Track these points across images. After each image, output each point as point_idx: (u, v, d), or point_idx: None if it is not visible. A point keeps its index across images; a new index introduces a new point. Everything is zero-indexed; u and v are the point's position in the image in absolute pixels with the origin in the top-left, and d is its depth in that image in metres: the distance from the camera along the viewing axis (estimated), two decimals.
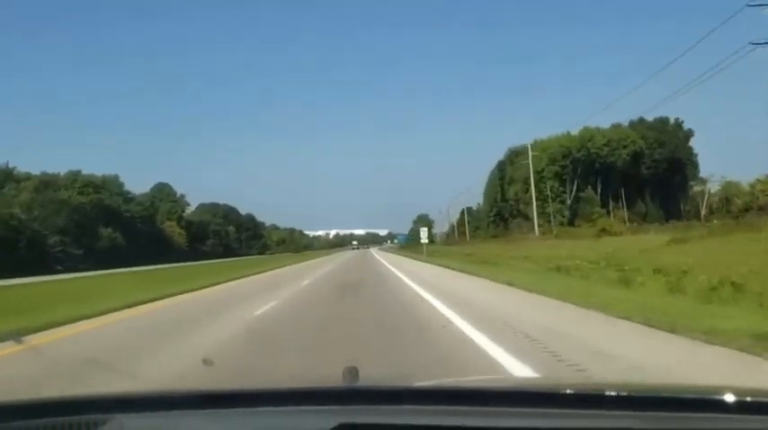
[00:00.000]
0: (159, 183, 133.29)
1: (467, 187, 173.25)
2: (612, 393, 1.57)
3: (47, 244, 70.05)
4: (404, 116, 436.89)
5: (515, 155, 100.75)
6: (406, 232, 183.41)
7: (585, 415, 1.38)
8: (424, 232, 53.59)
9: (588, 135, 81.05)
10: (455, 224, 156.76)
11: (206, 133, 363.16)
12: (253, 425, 1.46)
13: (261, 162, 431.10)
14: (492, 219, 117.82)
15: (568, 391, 1.64)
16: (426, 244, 53.06)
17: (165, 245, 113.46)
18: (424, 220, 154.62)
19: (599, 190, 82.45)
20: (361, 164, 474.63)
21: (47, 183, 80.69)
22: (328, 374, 2.68)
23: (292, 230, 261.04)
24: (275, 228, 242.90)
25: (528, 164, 75.25)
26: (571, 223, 78.03)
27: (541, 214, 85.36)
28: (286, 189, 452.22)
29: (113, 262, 79.99)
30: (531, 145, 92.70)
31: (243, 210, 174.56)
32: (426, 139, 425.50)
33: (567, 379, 5.01)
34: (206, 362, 5.92)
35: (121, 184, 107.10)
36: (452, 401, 1.51)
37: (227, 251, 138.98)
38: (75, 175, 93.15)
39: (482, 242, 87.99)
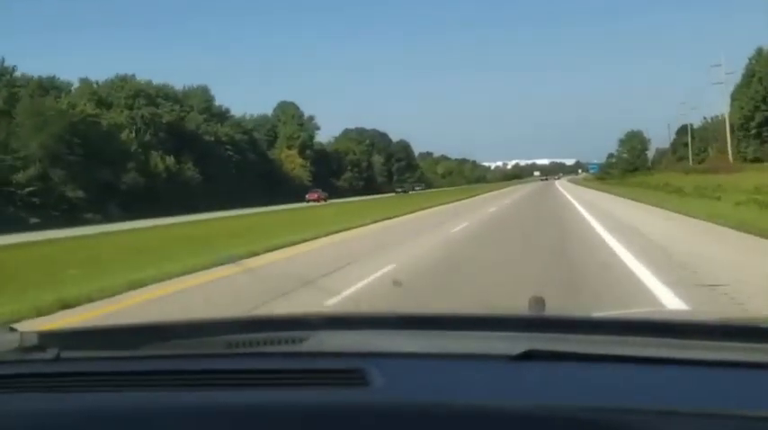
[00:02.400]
0: (282, 103, 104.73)
1: (728, 72, 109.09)
2: None
3: (11, 181, 42.14)
4: (597, 21, 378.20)
5: None
6: (596, 161, 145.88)
7: None
8: None
9: None
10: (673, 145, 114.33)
11: (365, 56, 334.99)
12: (441, 346, 1.49)
13: (431, 85, 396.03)
14: (753, 132, 75.33)
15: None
16: None
17: (278, 180, 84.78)
18: (636, 138, 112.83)
19: None
20: (545, 82, 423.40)
21: (49, 88, 52.87)
22: (515, 304, 2.94)
23: (462, 161, 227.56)
24: (444, 158, 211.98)
25: None
26: None
27: None
28: (459, 116, 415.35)
29: (169, 207, 51.79)
30: None
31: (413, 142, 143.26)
32: (627, 47, 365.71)
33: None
34: (396, 283, 6.41)
35: (210, 99, 78.76)
36: (642, 332, 1.50)
37: (368, 187, 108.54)
38: (122, 81, 65.21)
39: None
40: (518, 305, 2.10)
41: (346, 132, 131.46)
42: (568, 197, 36.71)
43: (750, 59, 78.14)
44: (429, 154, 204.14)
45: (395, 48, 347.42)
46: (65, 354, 1.45)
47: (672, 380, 1.21)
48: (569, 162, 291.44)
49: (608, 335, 1.48)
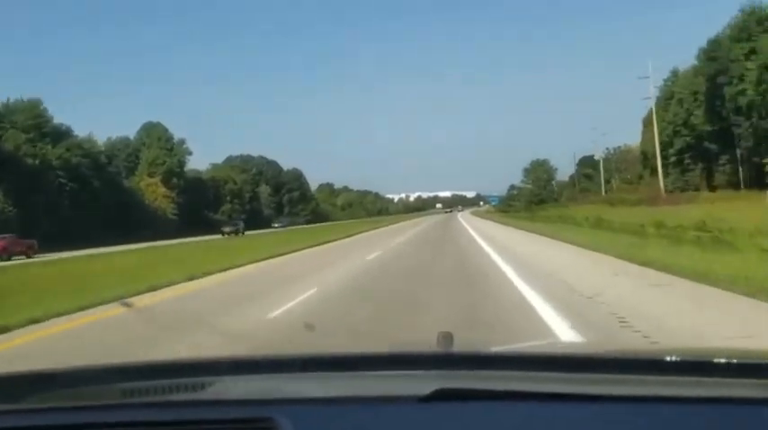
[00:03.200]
0: (147, 124, 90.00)
1: (656, 86, 79.26)
2: (722, 360, 1.56)
3: None
4: (500, 53, 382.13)
5: (759, 20, 50.07)
6: (495, 194, 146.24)
7: (697, 382, 1.37)
8: None
9: None
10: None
11: (263, 81, 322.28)
12: (351, 389, 1.49)
13: (337, 117, 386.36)
14: (673, 160, 67.82)
15: (674, 359, 1.61)
16: None
17: (135, 213, 70.32)
18: (541, 167, 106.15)
19: None
20: (448, 116, 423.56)
21: None
22: (422, 340, 2.90)
23: (365, 193, 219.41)
24: (347, 190, 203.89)
25: None
26: None
27: None
28: (365, 149, 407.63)
29: None
30: None
31: (315, 174, 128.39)
32: (527, 77, 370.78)
33: (667, 346, 4.82)
34: (307, 326, 5.98)
35: (43, 115, 63.60)
36: (551, 367, 1.51)
37: (254, 220, 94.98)
38: None
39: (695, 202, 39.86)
40: (427, 340, 2.03)
41: (230, 160, 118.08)
42: (472, 235, 25.45)
43: (665, 81, 71.50)
44: (329, 185, 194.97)
45: (292, 73, 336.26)
46: None
47: (584, 417, 1.19)
48: (470, 194, 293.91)
49: (517, 371, 1.47)
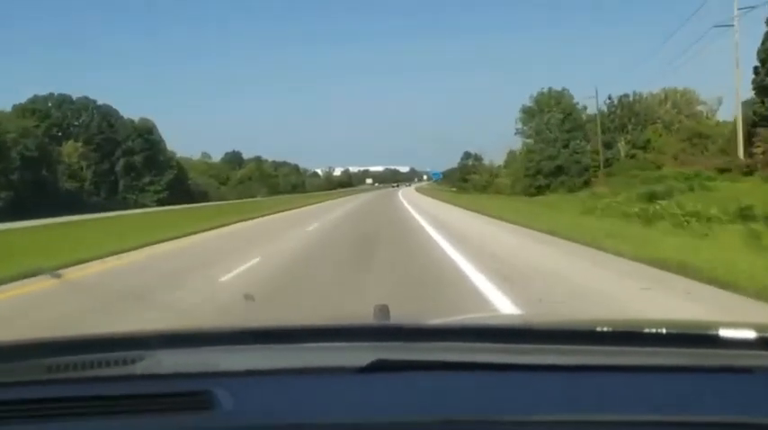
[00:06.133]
0: None
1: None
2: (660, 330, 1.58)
3: None
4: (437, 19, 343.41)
5: None
6: (429, 169, 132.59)
7: (633, 352, 1.40)
8: None
9: None
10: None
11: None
12: (289, 361, 1.48)
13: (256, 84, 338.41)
14: None
15: (606, 329, 1.65)
16: None
17: None
18: (561, 102, 59.99)
19: None
20: (381, 84, 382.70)
21: None
22: (359, 312, 2.96)
23: (281, 164, 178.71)
24: (258, 159, 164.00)
25: None
26: None
27: None
28: (284, 118, 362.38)
29: None
30: None
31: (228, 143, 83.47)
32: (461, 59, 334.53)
33: (605, 317, 4.88)
34: (247, 297, 6.02)
35: None
36: (488, 338, 1.53)
37: (37, 200, 52.58)
38: None
39: None
40: (363, 313, 2.09)
41: (34, 101, 74.46)
42: None
43: None
44: (236, 153, 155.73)
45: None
46: None
47: (522, 386, 1.21)
48: (404, 169, 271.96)
49: (454, 342, 1.48)
